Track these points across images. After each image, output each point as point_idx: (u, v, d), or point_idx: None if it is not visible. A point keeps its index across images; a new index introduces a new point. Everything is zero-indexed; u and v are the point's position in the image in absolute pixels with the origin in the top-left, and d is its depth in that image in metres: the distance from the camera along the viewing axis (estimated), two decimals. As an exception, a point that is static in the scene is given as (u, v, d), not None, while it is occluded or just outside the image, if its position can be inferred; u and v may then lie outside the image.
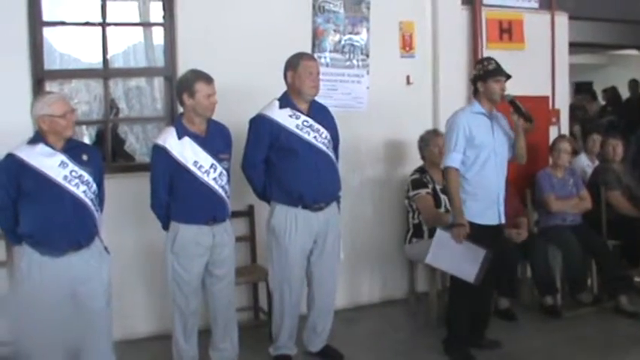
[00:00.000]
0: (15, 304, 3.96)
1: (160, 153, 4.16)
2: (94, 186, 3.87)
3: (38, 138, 3.80)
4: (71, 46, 5.23)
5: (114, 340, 4.09)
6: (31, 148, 3.77)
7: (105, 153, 5.08)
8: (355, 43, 5.86)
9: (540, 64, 6.71)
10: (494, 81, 4.54)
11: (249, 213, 5.41)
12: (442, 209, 5.40)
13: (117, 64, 5.34)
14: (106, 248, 3.99)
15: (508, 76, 4.61)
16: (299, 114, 4.47)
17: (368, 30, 5.88)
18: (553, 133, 6.70)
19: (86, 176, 3.82)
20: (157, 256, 4.61)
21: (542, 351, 4.92)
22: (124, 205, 4.83)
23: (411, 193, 5.58)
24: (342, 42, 5.81)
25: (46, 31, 4.99)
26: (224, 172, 4.26)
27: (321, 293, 4.67)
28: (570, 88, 8.76)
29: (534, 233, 5.96)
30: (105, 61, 5.15)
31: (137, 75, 5.40)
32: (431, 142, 5.61)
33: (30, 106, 3.97)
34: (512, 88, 4.67)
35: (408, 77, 6.05)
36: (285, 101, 4.50)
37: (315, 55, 5.42)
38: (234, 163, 4.45)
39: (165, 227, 4.30)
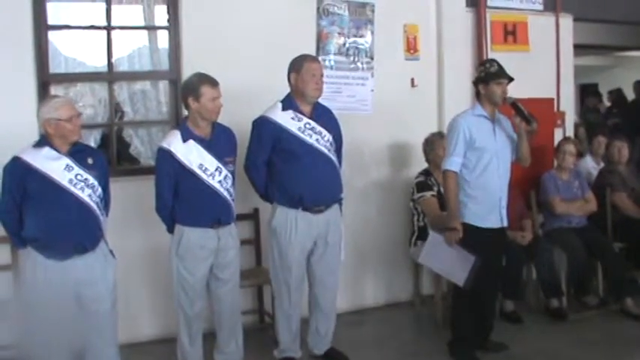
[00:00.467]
0: (20, 307, 3.97)
1: (165, 156, 4.17)
2: (99, 189, 3.88)
3: (44, 141, 3.81)
4: (76, 50, 5.22)
5: (119, 344, 4.10)
6: (36, 152, 3.78)
7: (110, 156, 5.08)
8: (360, 46, 5.86)
9: (545, 66, 6.70)
10: (496, 83, 4.53)
11: (254, 216, 5.42)
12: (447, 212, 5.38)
13: (122, 67, 5.33)
14: (111, 251, 4.00)
15: (510, 79, 4.59)
16: (302, 116, 4.48)
17: (372, 33, 5.89)
18: (558, 135, 6.69)
19: (91, 180, 3.83)
20: (161, 259, 4.62)
21: (548, 353, 4.91)
22: (129, 208, 4.84)
23: (416, 196, 5.58)
24: (347, 45, 5.81)
25: (51, 35, 4.99)
26: (229, 175, 4.26)
27: (322, 293, 4.68)
28: (575, 90, 8.75)
29: (539, 235, 5.95)
30: (110, 64, 5.16)
31: (142, 78, 5.39)
32: (436, 145, 5.61)
33: (35, 109, 3.98)
34: (517, 91, 4.66)
35: (412, 80, 6.06)
36: (288, 103, 4.51)
37: (320, 58, 5.40)
38: (238, 165, 4.45)
39: (170, 230, 4.30)
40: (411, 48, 6.08)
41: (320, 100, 4.65)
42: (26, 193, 3.72)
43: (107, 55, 5.13)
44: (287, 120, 4.45)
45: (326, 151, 4.51)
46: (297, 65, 4.51)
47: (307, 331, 4.78)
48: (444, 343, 4.80)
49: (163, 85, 5.39)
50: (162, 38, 5.33)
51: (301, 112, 4.49)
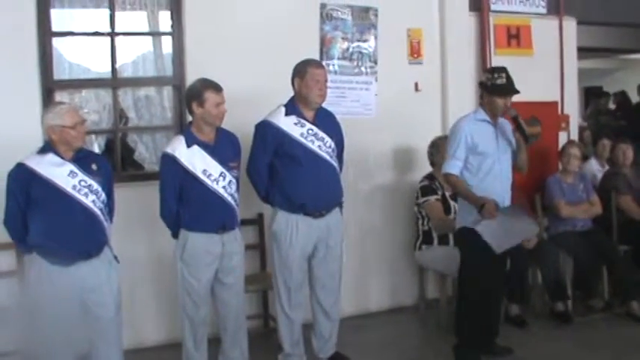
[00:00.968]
0: (25, 312, 3.98)
1: (169, 162, 4.17)
2: (103, 195, 3.89)
3: (48, 148, 3.82)
4: (80, 56, 5.25)
5: (124, 349, 4.10)
6: (40, 158, 3.79)
7: (114, 162, 5.09)
8: (363, 51, 5.87)
9: (549, 70, 6.69)
10: (499, 96, 4.51)
11: (258, 221, 5.42)
12: (451, 215, 5.38)
13: (126, 73, 5.36)
14: (115, 257, 4.00)
15: (516, 92, 4.55)
16: (304, 122, 4.49)
17: (376, 37, 5.90)
18: (562, 138, 6.68)
19: (95, 185, 3.83)
20: (166, 265, 4.63)
21: (553, 357, 4.90)
22: (133, 213, 4.85)
23: (421, 200, 5.58)
24: (351, 49, 5.82)
25: (56, 42, 5.02)
26: (233, 180, 4.27)
27: (324, 296, 4.69)
28: (580, 93, 8.74)
29: (544, 239, 5.94)
30: (114, 70, 5.18)
31: (146, 84, 5.42)
32: (442, 148, 5.58)
33: (40, 115, 4.00)
34: (521, 95, 4.64)
35: (416, 84, 6.06)
36: (291, 108, 4.51)
37: (324, 63, 5.42)
38: (242, 170, 4.46)
39: (175, 236, 4.31)
40: (415, 52, 6.08)
41: (324, 105, 4.66)
42: (31, 199, 3.73)
43: (111, 62, 5.15)
44: (290, 125, 4.46)
45: (328, 157, 4.52)
46: (301, 71, 4.51)
47: (311, 336, 4.77)
48: (450, 347, 4.78)
49: (167, 91, 5.41)
50: (166, 44, 5.36)
51: (304, 118, 4.50)
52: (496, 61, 6.14)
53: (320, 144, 4.49)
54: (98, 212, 3.84)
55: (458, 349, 4.74)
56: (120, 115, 5.34)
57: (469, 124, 4.56)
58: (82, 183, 3.78)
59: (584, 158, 6.64)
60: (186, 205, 4.21)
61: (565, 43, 6.77)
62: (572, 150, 6.01)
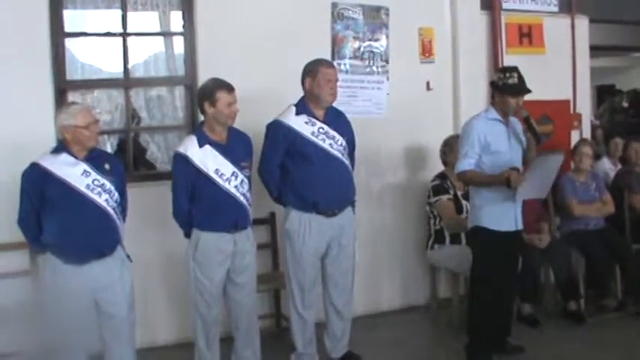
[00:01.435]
0: (38, 311, 4.00)
1: (181, 161, 4.18)
2: (116, 194, 3.91)
3: (61, 147, 3.85)
4: (93, 57, 5.27)
5: (137, 348, 4.11)
6: (54, 158, 3.81)
7: (126, 162, 5.11)
8: (375, 50, 5.87)
9: (561, 68, 6.67)
10: (511, 96, 4.50)
11: (270, 220, 5.43)
12: (463, 215, 5.37)
13: (138, 73, 5.37)
14: (128, 256, 4.02)
15: (528, 91, 4.55)
16: (315, 121, 4.50)
17: (387, 36, 5.89)
18: (575, 137, 6.66)
19: (108, 185, 3.85)
20: (178, 264, 4.64)
21: (566, 357, 4.88)
22: (145, 213, 4.86)
23: (432, 199, 5.57)
24: (362, 49, 5.82)
25: (68, 42, 5.04)
26: (245, 179, 4.27)
27: (336, 295, 4.70)
28: (592, 92, 8.69)
29: (557, 238, 5.92)
30: (126, 70, 5.20)
31: (158, 84, 5.43)
32: (454, 147, 5.56)
33: (53, 116, 4.02)
34: (533, 93, 4.63)
35: (427, 83, 6.06)
36: (301, 107, 4.52)
37: (335, 62, 5.44)
38: (253, 170, 4.47)
39: (187, 235, 4.32)
40: (426, 51, 6.08)
41: (336, 104, 4.67)
42: (44, 198, 3.75)
43: (123, 62, 5.17)
44: (301, 124, 4.47)
45: (339, 155, 4.53)
46: (313, 70, 4.52)
47: (324, 335, 4.78)
48: (462, 346, 4.77)
49: (179, 91, 5.43)
50: (178, 44, 5.37)
51: (315, 117, 4.51)
52: (508, 60, 6.14)
53: (331, 142, 4.49)
54: (111, 211, 3.85)
55: (470, 348, 4.73)
56: (132, 115, 5.36)
57: (481, 123, 4.55)
58: (96, 182, 3.80)
59: (597, 157, 6.62)
60: (199, 205, 4.22)
61: (577, 42, 6.75)
62: (584, 149, 5.99)
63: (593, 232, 5.83)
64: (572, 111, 6.77)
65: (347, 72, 5.71)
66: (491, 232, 4.51)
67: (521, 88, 4.52)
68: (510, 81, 4.50)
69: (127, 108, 5.24)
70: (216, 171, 4.15)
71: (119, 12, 5.13)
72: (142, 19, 5.28)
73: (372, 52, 5.84)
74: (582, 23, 6.80)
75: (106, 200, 3.84)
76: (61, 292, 3.76)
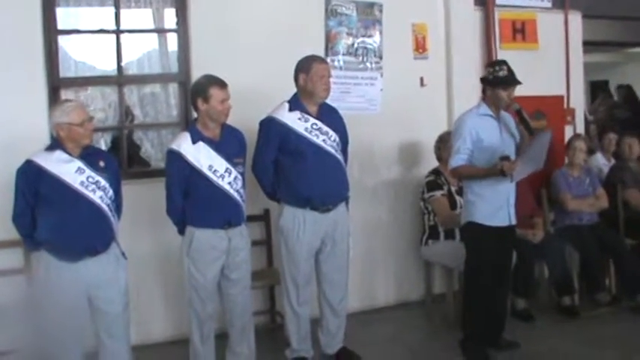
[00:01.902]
0: (33, 309, 4.00)
1: (175, 158, 4.19)
2: (111, 191, 3.91)
3: (56, 145, 3.85)
4: (86, 54, 5.26)
5: (131, 345, 4.12)
6: (48, 155, 3.81)
7: (120, 159, 5.10)
8: (368, 46, 5.87)
9: (554, 64, 6.69)
10: (503, 88, 4.51)
11: (264, 217, 5.43)
12: (457, 211, 5.38)
13: (131, 70, 5.37)
14: (123, 253, 4.02)
15: (518, 83, 4.56)
16: (308, 117, 4.50)
17: (381, 32, 5.89)
18: (568, 132, 6.67)
19: (103, 182, 3.85)
20: (173, 261, 4.65)
21: (560, 351, 4.89)
22: (140, 210, 4.86)
23: (426, 195, 5.58)
24: (356, 45, 5.82)
25: (61, 39, 5.03)
26: (239, 176, 4.28)
27: (331, 291, 4.71)
28: (586, 87, 8.71)
29: (551, 233, 5.94)
30: (119, 68, 5.19)
31: (151, 81, 5.43)
32: (449, 143, 5.59)
33: (46, 113, 4.01)
34: (527, 88, 4.64)
35: (421, 79, 6.06)
36: (295, 104, 4.53)
37: (329, 59, 5.45)
38: (247, 166, 4.47)
39: (181, 232, 4.32)
40: (420, 47, 6.08)
41: (329, 101, 4.68)
42: (39, 195, 3.76)
43: (117, 59, 5.16)
44: (294, 120, 4.47)
45: (333, 151, 4.54)
46: (306, 66, 4.53)
47: (318, 331, 4.79)
48: (456, 341, 4.79)
49: (173, 88, 5.43)
50: (172, 41, 5.37)
51: (308, 113, 4.52)
52: (501, 55, 6.13)
53: (324, 138, 4.50)
54: (105, 208, 3.86)
55: (464, 343, 4.75)
56: (126, 112, 5.35)
57: (472, 118, 4.56)
58: (90, 179, 3.80)
59: (590, 152, 6.63)
60: (192, 202, 4.22)
61: (570, 37, 6.76)
62: (577, 143, 6.01)
63: (586, 227, 5.85)
64: (565, 106, 6.78)
65: (340, 68, 5.71)
66: (484, 228, 4.52)
67: (512, 80, 4.53)
68: (500, 74, 4.51)
69: (121, 105, 5.24)
70: (210, 167, 4.16)
71: (112, 9, 5.11)
72: (136, 16, 5.28)
73: (365, 48, 5.84)
74: (575, 19, 6.80)
75: (101, 197, 3.84)
76: (55, 289, 3.77)
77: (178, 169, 4.18)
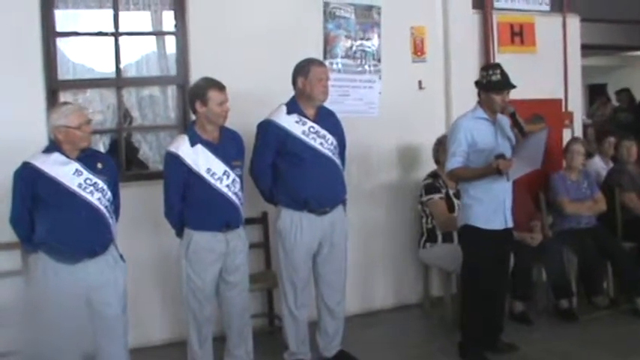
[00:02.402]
0: (31, 311, 4.00)
1: (173, 160, 4.19)
2: (109, 193, 3.90)
3: (53, 147, 3.84)
4: (84, 56, 5.26)
5: (129, 347, 4.11)
6: (46, 157, 3.81)
7: (119, 162, 5.10)
8: (367, 49, 5.87)
9: (552, 67, 6.69)
10: (496, 93, 4.51)
11: (262, 219, 5.43)
12: (455, 214, 5.38)
13: (130, 73, 5.36)
14: (121, 256, 4.02)
15: (512, 87, 4.55)
16: (306, 120, 4.51)
17: (379, 35, 5.90)
18: (566, 135, 6.68)
19: (101, 184, 3.85)
20: (171, 264, 4.65)
21: (558, 354, 4.89)
22: (138, 212, 4.86)
23: (424, 198, 5.58)
24: (354, 48, 5.82)
25: (60, 42, 5.03)
26: (237, 178, 4.28)
27: (329, 294, 4.70)
28: (584, 91, 8.71)
29: (549, 236, 5.94)
30: (118, 70, 5.20)
31: (150, 84, 5.43)
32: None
33: (45, 115, 4.01)
34: (525, 92, 4.64)
35: (419, 82, 6.06)
36: (292, 107, 4.53)
37: (327, 62, 5.46)
38: (245, 169, 4.47)
39: (179, 234, 4.32)
40: (418, 50, 6.08)
41: (328, 104, 4.69)
42: (37, 197, 3.75)
43: (115, 61, 5.16)
44: (291, 124, 4.48)
45: (330, 154, 4.54)
46: (304, 69, 4.53)
47: (316, 334, 4.78)
48: (454, 344, 4.80)
49: (171, 90, 5.42)
50: (170, 44, 5.37)
51: (305, 116, 4.52)
52: (499, 58, 6.14)
53: (322, 141, 4.50)
54: (104, 210, 3.85)
55: (462, 346, 4.75)
56: (124, 114, 5.35)
57: (468, 121, 4.57)
58: (88, 181, 3.79)
59: (588, 155, 6.64)
60: (190, 204, 4.22)
61: (569, 41, 6.77)
62: (576, 147, 6.02)
63: (585, 230, 5.85)
64: (563, 110, 6.79)
65: (339, 71, 5.71)
66: (481, 231, 4.52)
67: (505, 84, 4.52)
68: (494, 78, 4.52)
69: (119, 108, 5.24)
70: (208, 170, 4.16)
71: (111, 11, 5.12)
72: (134, 19, 5.27)
73: (364, 51, 5.84)
74: (574, 22, 6.81)
75: (99, 199, 3.83)
76: (53, 291, 3.76)
77: (176, 171, 4.18)
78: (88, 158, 3.88)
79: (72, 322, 3.79)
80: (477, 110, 4.62)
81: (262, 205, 4.95)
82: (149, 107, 5.45)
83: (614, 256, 5.78)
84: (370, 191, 5.93)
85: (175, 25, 5.30)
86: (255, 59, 5.31)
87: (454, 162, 4.52)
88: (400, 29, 5.99)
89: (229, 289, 4.34)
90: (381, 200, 5.99)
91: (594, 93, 12.92)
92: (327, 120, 4.61)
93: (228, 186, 4.21)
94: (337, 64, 5.73)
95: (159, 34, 5.39)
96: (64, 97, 5.01)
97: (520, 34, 6.55)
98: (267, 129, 4.51)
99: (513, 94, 4.60)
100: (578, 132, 6.94)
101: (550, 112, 6.58)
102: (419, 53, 6.09)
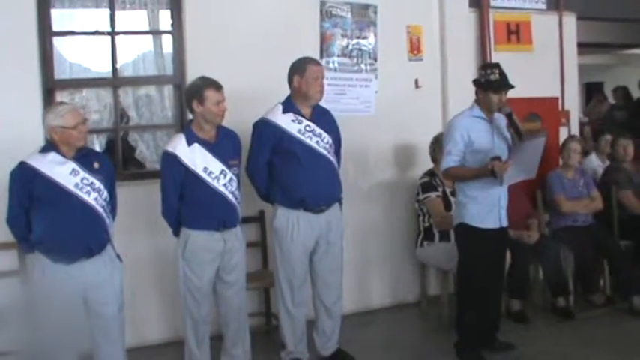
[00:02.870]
0: (28, 311, 4.00)
1: (170, 160, 4.19)
2: (105, 193, 3.91)
3: (50, 147, 3.84)
4: (81, 56, 5.26)
5: (127, 347, 4.12)
6: (42, 157, 3.81)
7: (116, 161, 5.10)
8: (363, 48, 5.87)
9: (549, 65, 6.70)
10: (493, 92, 4.51)
11: (259, 218, 5.43)
12: (452, 212, 5.38)
13: (126, 72, 5.37)
14: (118, 255, 4.02)
15: (511, 87, 4.56)
16: (301, 119, 4.51)
17: (376, 34, 5.90)
18: (563, 133, 6.69)
19: (97, 183, 3.85)
20: (168, 263, 4.65)
21: (555, 352, 4.90)
22: (135, 212, 4.86)
23: (421, 197, 5.59)
24: (350, 46, 5.82)
25: (56, 41, 5.03)
26: (234, 178, 4.28)
27: (325, 292, 4.71)
28: (580, 89, 8.72)
29: (545, 234, 5.95)
30: (114, 69, 5.20)
31: (146, 83, 5.43)
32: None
33: (41, 115, 4.00)
34: (521, 90, 4.63)
35: (416, 81, 6.06)
36: (288, 106, 4.54)
37: (323, 60, 5.46)
38: (242, 168, 4.47)
39: (176, 234, 4.32)
40: (415, 49, 6.09)
41: (324, 102, 4.69)
42: (33, 197, 3.75)
43: (112, 61, 5.16)
44: (287, 122, 4.48)
45: (325, 152, 4.54)
46: (300, 68, 4.53)
47: (313, 333, 4.79)
48: (451, 343, 4.79)
49: (168, 90, 5.42)
50: (167, 43, 5.37)
51: (301, 115, 4.52)
52: (496, 57, 6.14)
53: (318, 140, 4.51)
54: (100, 210, 3.86)
55: (459, 345, 4.75)
56: (121, 114, 5.35)
57: (464, 120, 4.57)
58: (84, 181, 3.80)
59: (585, 154, 6.65)
60: (187, 203, 4.22)
61: (565, 39, 6.77)
62: (572, 145, 6.03)
63: (581, 228, 5.86)
64: (560, 108, 6.79)
65: (335, 70, 5.71)
66: (475, 230, 4.53)
67: (503, 84, 4.52)
68: (492, 77, 4.51)
69: (116, 107, 5.24)
70: (205, 169, 4.16)
71: (107, 11, 5.12)
72: (131, 18, 5.28)
73: (360, 50, 5.84)
74: (570, 20, 6.82)
75: (95, 199, 3.84)
76: (50, 291, 3.76)
77: (174, 171, 4.18)
78: (84, 158, 3.88)
79: (69, 321, 3.80)
80: (473, 109, 4.62)
81: (259, 204, 4.96)
82: (146, 106, 5.45)
83: (610, 254, 5.79)
84: (367, 190, 5.93)
85: (172, 25, 5.30)
86: (252, 58, 5.31)
87: (449, 161, 4.52)
88: (396, 28, 5.99)
89: (226, 288, 4.35)
90: (378, 199, 5.99)
91: (591, 91, 12.92)
92: (323, 118, 4.62)
93: (225, 185, 4.21)
94: (333, 62, 5.73)
95: (155, 33, 5.39)
96: (60, 96, 5.01)
97: (516, 33, 6.56)
98: (263, 128, 4.51)
99: (510, 93, 4.60)
100: (575, 130, 6.95)
101: (546, 110, 6.59)
102: (415, 52, 6.10)
